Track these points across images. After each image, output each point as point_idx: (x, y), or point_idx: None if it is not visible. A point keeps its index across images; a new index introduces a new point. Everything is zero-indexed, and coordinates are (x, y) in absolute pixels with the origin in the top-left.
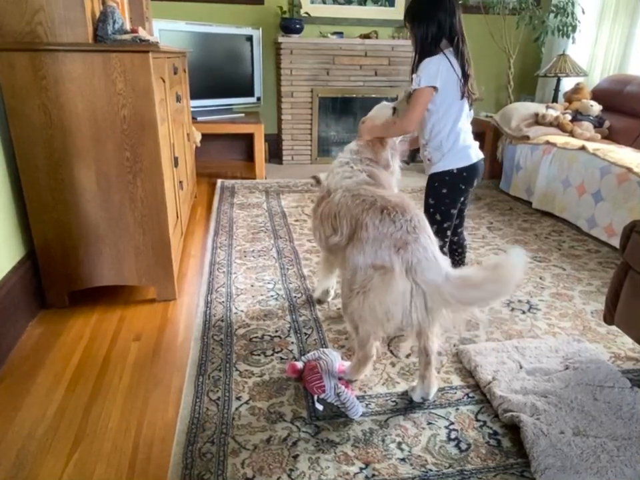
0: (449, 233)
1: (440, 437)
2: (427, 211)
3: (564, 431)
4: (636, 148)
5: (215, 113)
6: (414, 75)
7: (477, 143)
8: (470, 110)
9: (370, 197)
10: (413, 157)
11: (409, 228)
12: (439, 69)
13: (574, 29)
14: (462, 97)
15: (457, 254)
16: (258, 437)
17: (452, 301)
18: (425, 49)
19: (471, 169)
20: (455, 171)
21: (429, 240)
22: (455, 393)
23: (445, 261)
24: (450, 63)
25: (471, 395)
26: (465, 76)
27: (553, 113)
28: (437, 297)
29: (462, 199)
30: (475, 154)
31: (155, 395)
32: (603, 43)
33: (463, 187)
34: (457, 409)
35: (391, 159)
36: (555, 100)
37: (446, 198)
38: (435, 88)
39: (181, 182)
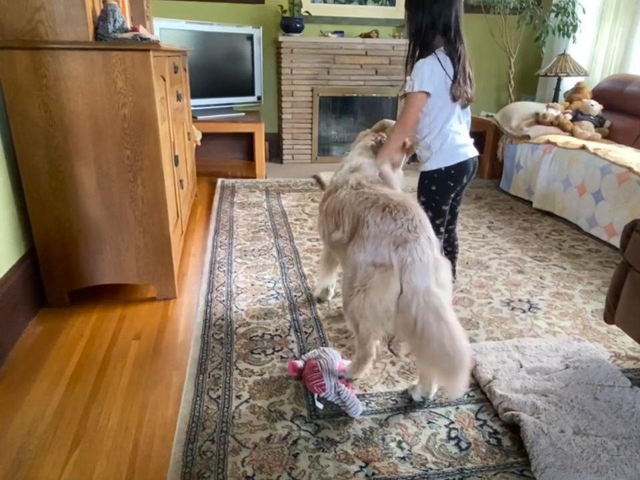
0: (442, 229)
1: (440, 436)
2: None
3: (564, 429)
4: (636, 148)
5: (216, 112)
6: (407, 78)
7: (471, 141)
8: (465, 109)
9: (373, 194)
10: (413, 156)
11: (409, 227)
12: (432, 73)
13: (575, 28)
14: (453, 100)
15: (446, 252)
16: (258, 435)
17: (416, 314)
18: (417, 41)
19: (460, 167)
20: (443, 169)
21: (428, 241)
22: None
23: (442, 268)
24: (442, 66)
25: (471, 394)
26: (456, 78)
27: (553, 112)
28: (412, 305)
29: (452, 195)
30: (465, 153)
31: (155, 394)
32: (603, 42)
33: (452, 185)
34: (457, 408)
35: (402, 160)
36: (555, 99)
37: (436, 195)
38: (427, 93)
39: (181, 181)
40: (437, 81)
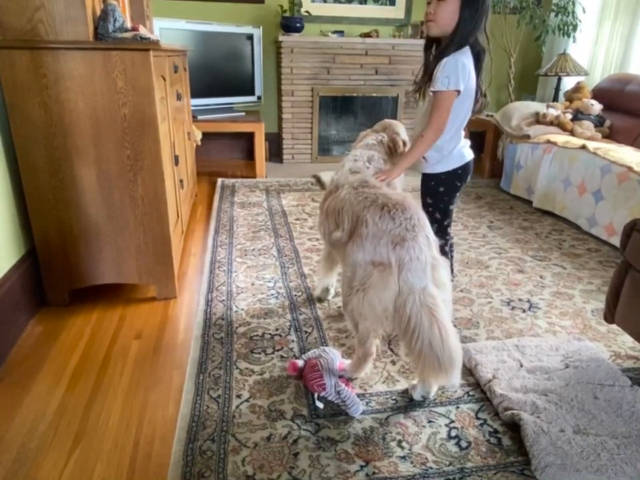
0: (449, 230)
1: (440, 435)
2: (426, 211)
3: (564, 429)
4: (636, 147)
5: (216, 111)
6: (439, 74)
7: (468, 142)
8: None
9: (372, 194)
10: None
11: (408, 226)
12: (464, 72)
13: (575, 28)
14: (473, 111)
15: (443, 251)
16: (258, 434)
17: (411, 313)
18: (454, 37)
19: (465, 167)
20: (451, 170)
21: (426, 240)
22: (456, 391)
23: (440, 267)
24: (472, 67)
25: (471, 393)
26: (481, 92)
27: (553, 112)
28: (407, 303)
29: (457, 194)
30: (468, 152)
31: (155, 393)
32: (603, 42)
33: (459, 184)
34: (458, 407)
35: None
36: (555, 99)
37: (444, 196)
38: (458, 92)
39: (181, 180)
40: (467, 82)
